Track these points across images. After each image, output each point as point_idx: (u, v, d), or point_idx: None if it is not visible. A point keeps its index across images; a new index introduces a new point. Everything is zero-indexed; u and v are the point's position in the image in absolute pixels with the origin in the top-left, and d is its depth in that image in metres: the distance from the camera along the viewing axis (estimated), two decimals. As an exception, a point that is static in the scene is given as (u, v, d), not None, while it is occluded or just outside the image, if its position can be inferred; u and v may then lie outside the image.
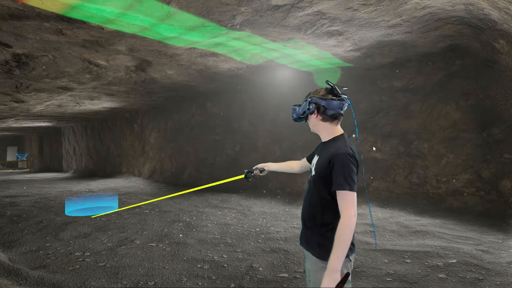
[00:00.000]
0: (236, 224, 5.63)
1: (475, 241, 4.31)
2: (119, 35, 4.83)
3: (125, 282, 3.33)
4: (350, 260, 1.71)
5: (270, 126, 8.90)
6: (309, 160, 2.07)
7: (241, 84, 8.63)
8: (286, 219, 5.95)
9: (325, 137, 1.84)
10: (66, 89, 8.31)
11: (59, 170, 21.06)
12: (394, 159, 6.65)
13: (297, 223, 5.60)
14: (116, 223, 5.75)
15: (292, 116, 1.98)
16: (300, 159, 2.29)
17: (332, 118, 1.78)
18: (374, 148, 6.92)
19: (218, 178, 9.93)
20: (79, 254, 4.20)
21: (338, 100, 1.76)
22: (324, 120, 1.80)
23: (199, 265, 3.79)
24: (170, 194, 9.49)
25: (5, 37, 4.71)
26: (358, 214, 4.43)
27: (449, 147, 5.96)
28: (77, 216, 6.26)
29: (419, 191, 6.25)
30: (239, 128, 9.71)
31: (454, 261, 3.62)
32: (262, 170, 2.33)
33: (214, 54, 5.99)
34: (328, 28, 4.73)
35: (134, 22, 4.33)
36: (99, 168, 16.80)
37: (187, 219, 6.00)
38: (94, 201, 8.37)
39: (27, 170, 24.70)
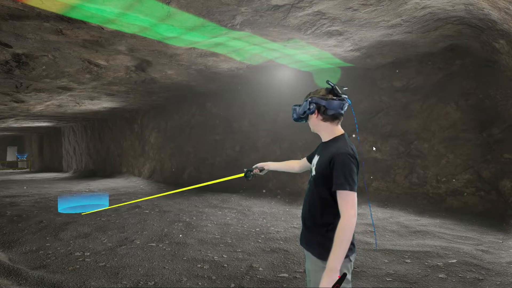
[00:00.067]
0: (236, 224, 5.63)
1: (475, 241, 4.31)
2: (119, 35, 4.83)
3: (125, 282, 3.33)
4: (350, 260, 1.71)
5: (270, 126, 8.90)
6: (309, 160, 2.07)
7: (241, 84, 8.64)
8: (286, 219, 5.95)
9: (325, 137, 1.84)
10: (66, 89, 8.31)
11: (59, 170, 21.06)
12: (394, 159, 6.65)
13: (297, 223, 5.60)
14: (116, 223, 5.75)
15: (293, 116, 1.98)
16: (300, 159, 2.29)
17: (333, 118, 1.78)
18: (374, 148, 6.92)
19: (218, 178, 9.92)
20: (79, 254, 4.20)
21: (339, 100, 1.76)
22: (324, 120, 1.80)
23: (199, 265, 3.79)
24: (170, 194, 9.49)
25: (5, 37, 4.71)
26: (358, 214, 4.44)
27: (449, 147, 5.96)
28: (77, 216, 6.26)
29: (419, 191, 6.25)
30: (239, 128, 9.71)
31: (454, 261, 3.62)
32: (262, 169, 2.33)
33: (214, 54, 5.99)
34: (328, 28, 4.73)
35: (134, 22, 4.33)
36: (99, 168, 16.80)
37: (187, 219, 6.00)
38: (85, 199, 8.67)
39: (27, 170, 24.70)
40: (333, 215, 1.68)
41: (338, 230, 1.56)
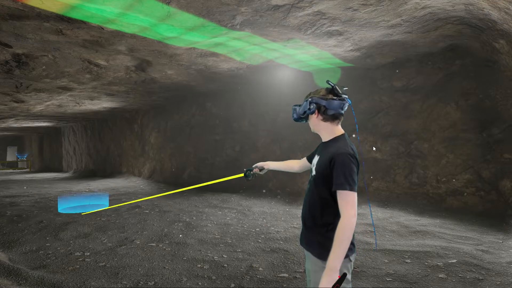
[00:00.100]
0: (236, 224, 5.63)
1: (475, 241, 4.31)
2: (119, 35, 4.83)
3: (125, 282, 3.33)
4: (350, 260, 1.71)
5: (270, 126, 8.90)
6: (309, 160, 2.07)
7: (241, 84, 8.64)
8: (286, 219, 5.95)
9: (325, 137, 1.84)
10: (66, 89, 8.31)
11: (59, 170, 21.06)
12: (394, 159, 6.65)
13: (297, 223, 5.60)
14: (116, 223, 5.75)
15: (293, 116, 1.98)
16: (300, 159, 2.30)
17: (333, 118, 1.78)
18: (374, 148, 6.92)
19: (218, 178, 9.92)
20: (79, 254, 4.20)
21: (339, 100, 1.76)
22: (324, 120, 1.80)
23: (199, 265, 3.79)
24: (170, 194, 9.49)
25: (5, 37, 4.71)
26: (358, 214, 4.43)
27: (449, 147, 5.96)
28: (77, 216, 6.26)
29: (419, 191, 6.25)
30: (239, 128, 9.71)
31: (454, 261, 3.62)
32: (261, 169, 2.33)
33: (214, 54, 5.99)
34: (328, 28, 4.73)
35: (134, 22, 4.33)
36: (99, 168, 16.80)
37: (187, 219, 5.99)
38: (85, 199, 8.75)
39: (27, 170, 24.70)
40: (333, 215, 1.68)
41: (338, 230, 1.56)
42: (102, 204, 7.72)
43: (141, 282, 3.34)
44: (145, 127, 13.56)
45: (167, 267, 3.72)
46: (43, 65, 6.15)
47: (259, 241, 4.68)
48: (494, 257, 3.70)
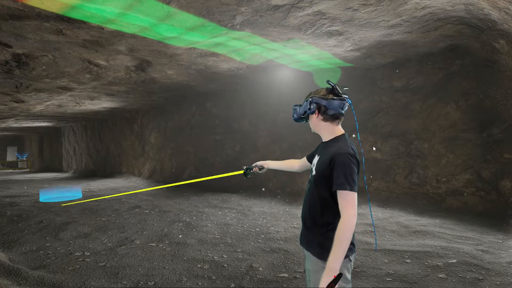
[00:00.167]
0: (236, 224, 5.63)
1: (475, 241, 4.31)
2: (119, 35, 4.83)
3: (125, 282, 3.33)
4: (350, 260, 1.71)
5: (270, 126, 8.90)
6: (310, 160, 2.07)
7: (241, 84, 8.64)
8: (286, 219, 5.95)
9: (326, 137, 1.84)
10: (66, 89, 8.31)
11: (59, 170, 21.06)
12: (394, 159, 6.65)
13: (297, 223, 5.60)
14: (116, 223, 5.75)
15: (293, 116, 1.97)
16: (299, 159, 2.29)
17: (333, 118, 1.78)
18: (374, 148, 6.92)
19: (218, 178, 9.91)
20: (79, 254, 4.20)
21: (339, 100, 1.76)
22: (325, 120, 1.80)
23: (199, 265, 3.79)
24: (170, 194, 9.52)
25: (5, 37, 4.71)
26: (358, 214, 4.43)
27: (449, 147, 5.96)
28: (77, 216, 6.26)
29: (419, 191, 6.25)
30: (239, 128, 9.71)
31: (454, 261, 3.62)
32: (261, 168, 2.32)
33: (214, 54, 5.99)
34: (328, 28, 4.73)
35: (134, 22, 4.33)
36: (99, 168, 16.80)
37: (187, 219, 5.99)
38: (63, 192, 10.22)
39: (27, 170, 24.70)
40: (333, 215, 1.68)
41: (338, 230, 1.56)
42: (77, 196, 8.82)
43: (141, 282, 3.34)
44: (145, 127, 13.56)
45: (167, 267, 3.72)
46: (43, 65, 6.15)
47: (259, 241, 4.68)
48: (494, 257, 3.70)
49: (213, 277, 3.46)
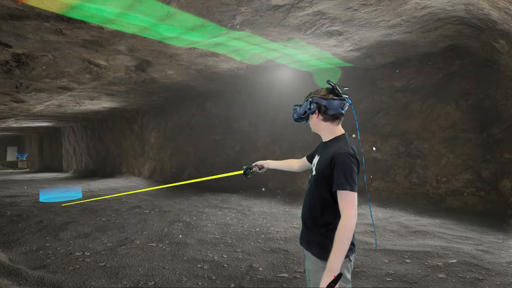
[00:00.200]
0: (236, 224, 5.63)
1: (475, 241, 4.31)
2: (119, 35, 4.83)
3: (125, 282, 3.33)
4: (350, 260, 1.71)
5: (270, 126, 8.90)
6: (310, 160, 2.07)
7: (241, 84, 8.64)
8: (286, 219, 5.95)
9: (326, 137, 1.83)
10: (66, 89, 8.31)
11: (59, 170, 21.05)
12: (394, 159, 6.65)
13: (297, 223, 5.60)
14: (116, 223, 5.75)
15: (293, 116, 1.97)
16: (299, 158, 2.29)
17: (333, 118, 1.78)
18: (374, 148, 6.92)
19: (218, 177, 9.91)
20: (79, 254, 4.20)
21: (339, 100, 1.75)
22: (325, 120, 1.79)
23: (199, 265, 3.79)
24: (170, 194, 9.51)
25: (5, 37, 4.71)
26: (358, 214, 4.43)
27: (449, 147, 5.96)
28: (77, 216, 6.26)
29: (419, 191, 6.25)
30: (239, 128, 9.71)
31: (454, 261, 3.62)
32: (261, 168, 2.32)
33: (214, 54, 5.99)
34: (328, 28, 4.73)
35: (134, 22, 4.33)
36: (99, 168, 16.80)
37: (187, 219, 5.99)
38: (63, 192, 10.39)
39: (27, 170, 24.70)
40: (333, 215, 1.68)
41: (339, 230, 1.56)
42: (77, 196, 9.03)
43: (141, 282, 3.34)
44: (145, 127, 13.56)
45: (167, 267, 3.72)
46: (43, 65, 6.15)
47: (259, 241, 4.68)
48: (494, 257, 3.70)
49: (213, 277, 3.46)
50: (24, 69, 6.24)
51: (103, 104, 11.19)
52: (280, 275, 3.48)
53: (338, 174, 1.61)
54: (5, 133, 23.00)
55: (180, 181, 11.31)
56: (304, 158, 2.15)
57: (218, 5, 3.90)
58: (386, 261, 3.76)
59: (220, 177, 2.69)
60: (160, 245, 4.52)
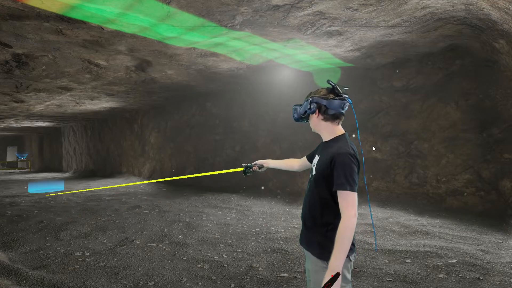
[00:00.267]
0: (236, 224, 5.63)
1: (475, 241, 4.31)
2: (119, 35, 4.83)
3: (125, 282, 3.33)
4: (350, 260, 1.70)
5: (270, 126, 8.90)
6: (310, 160, 2.06)
7: (241, 84, 8.64)
8: (286, 219, 5.95)
9: (326, 137, 1.83)
10: (66, 89, 8.31)
11: (59, 170, 21.06)
12: (394, 159, 6.65)
13: (297, 223, 5.60)
14: (116, 223, 5.75)
15: (293, 116, 1.97)
16: (299, 158, 2.29)
17: (334, 117, 1.78)
18: (374, 148, 6.92)
19: (218, 177, 9.95)
20: (79, 254, 4.20)
21: (340, 99, 1.75)
22: (325, 119, 1.79)
23: (199, 265, 3.78)
24: (170, 194, 9.49)
25: (5, 37, 4.71)
26: (358, 214, 4.43)
27: (449, 147, 5.96)
28: (77, 216, 6.26)
29: (419, 191, 6.25)
30: (239, 128, 9.71)
31: (454, 261, 3.62)
32: (261, 167, 2.32)
33: (214, 54, 5.99)
34: (328, 28, 4.73)
35: (134, 22, 4.33)
36: (99, 168, 16.80)
37: (187, 219, 5.99)
38: (47, 184, 12.28)
39: (27, 170, 24.69)
40: (333, 215, 1.68)
41: (339, 231, 1.56)
42: (60, 188, 10.62)
43: (141, 282, 3.33)
44: (145, 127, 13.56)
45: (167, 267, 3.72)
46: (43, 65, 6.15)
47: (259, 241, 4.68)
48: (494, 257, 3.70)
49: (213, 277, 3.46)
50: (24, 69, 6.24)
51: (103, 104, 11.19)
52: (280, 275, 3.48)
53: (338, 174, 1.61)
54: (5, 133, 23.00)
55: (180, 181, 11.28)
56: (304, 158, 2.15)
57: (218, 5, 3.90)
58: (386, 261, 3.76)
59: (220, 178, 2.69)
60: (160, 245, 4.52)
